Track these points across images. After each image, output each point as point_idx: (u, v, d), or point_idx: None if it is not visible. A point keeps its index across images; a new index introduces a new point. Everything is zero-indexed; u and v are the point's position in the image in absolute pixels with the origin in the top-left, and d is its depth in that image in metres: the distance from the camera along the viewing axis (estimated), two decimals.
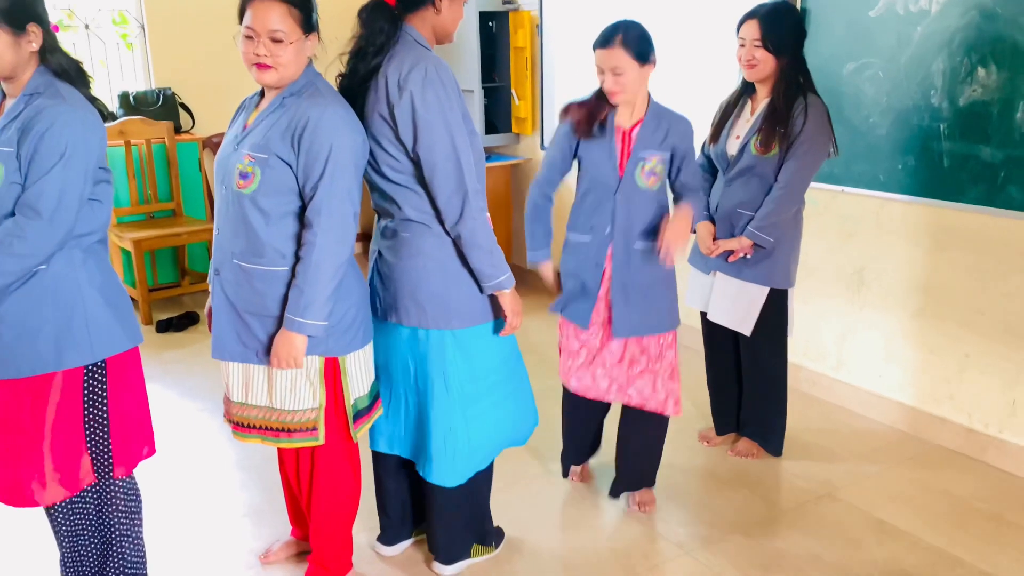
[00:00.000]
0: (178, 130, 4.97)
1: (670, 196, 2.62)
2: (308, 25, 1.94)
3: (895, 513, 2.71)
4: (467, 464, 2.26)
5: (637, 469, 2.76)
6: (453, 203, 2.04)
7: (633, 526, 2.68)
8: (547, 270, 2.63)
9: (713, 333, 3.05)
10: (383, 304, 2.22)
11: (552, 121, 4.78)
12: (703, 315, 3.03)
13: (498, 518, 2.57)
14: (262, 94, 2.06)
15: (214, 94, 5.12)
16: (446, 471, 2.24)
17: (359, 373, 2.17)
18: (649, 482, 2.79)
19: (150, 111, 4.87)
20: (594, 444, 2.90)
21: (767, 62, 2.70)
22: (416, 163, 2.04)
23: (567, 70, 4.62)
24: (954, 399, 3.10)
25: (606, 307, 2.55)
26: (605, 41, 2.42)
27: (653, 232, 2.49)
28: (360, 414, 2.20)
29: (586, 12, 4.40)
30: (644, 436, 2.71)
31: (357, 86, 2.06)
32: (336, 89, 2.07)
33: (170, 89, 5.01)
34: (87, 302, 1.87)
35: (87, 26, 4.98)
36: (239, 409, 2.16)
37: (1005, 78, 2.75)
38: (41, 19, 1.82)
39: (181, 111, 5.08)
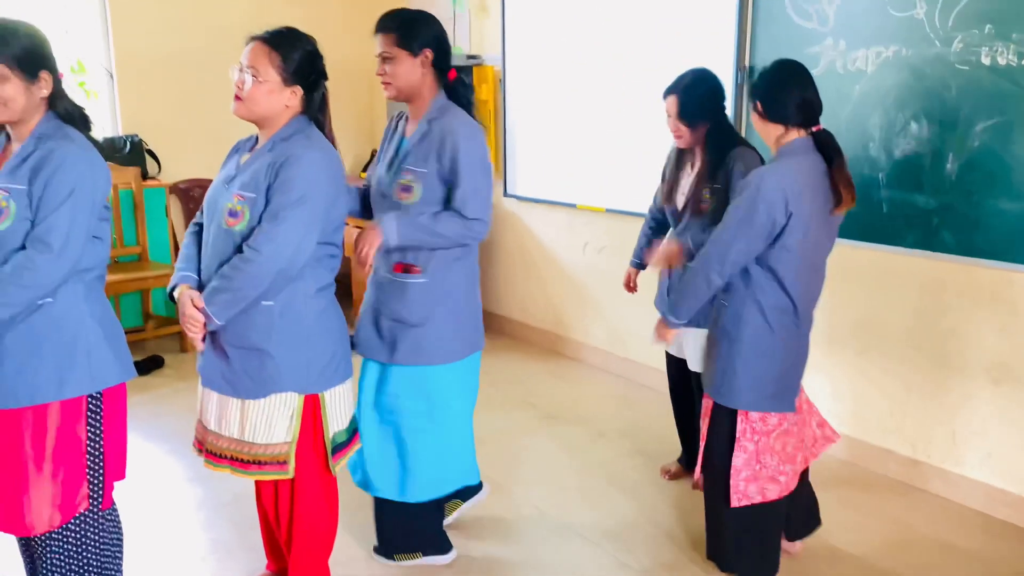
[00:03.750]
0: (145, 176, 5.03)
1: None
2: (289, 76, 2.04)
3: (846, 539, 2.85)
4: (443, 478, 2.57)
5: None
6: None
7: (599, 556, 2.77)
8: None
9: (677, 374, 3.19)
10: (385, 343, 2.41)
11: (514, 170, 4.95)
12: (668, 355, 3.19)
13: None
14: (258, 138, 2.17)
15: (180, 141, 5.19)
16: (417, 488, 2.52)
17: (338, 408, 2.24)
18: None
19: (117, 157, 4.92)
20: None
21: (688, 133, 2.84)
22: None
23: (528, 122, 4.82)
24: (899, 431, 3.28)
25: None
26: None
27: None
28: (339, 448, 2.27)
29: (546, 67, 4.61)
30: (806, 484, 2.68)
31: None
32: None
33: (137, 136, 5.07)
34: (89, 334, 1.94)
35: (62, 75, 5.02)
36: (214, 437, 2.21)
37: (935, 132, 2.99)
38: (52, 67, 1.92)
39: (148, 157, 5.14)
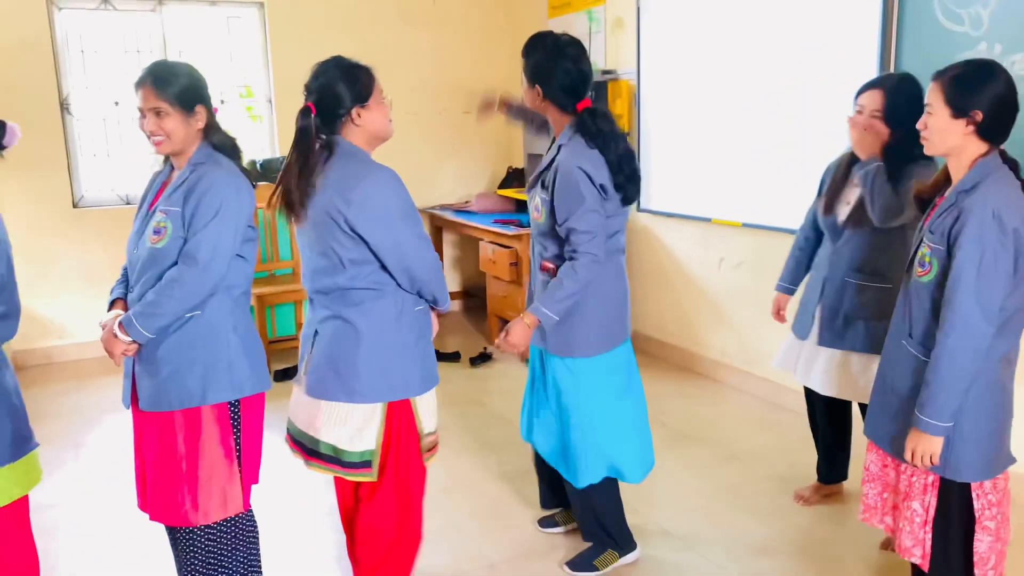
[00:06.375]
0: None
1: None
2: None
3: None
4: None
5: None
6: None
7: None
8: None
9: (814, 394, 3.07)
10: (542, 332, 2.57)
11: (648, 184, 4.92)
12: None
13: None
14: None
15: None
16: (578, 472, 2.64)
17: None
18: None
19: (275, 177, 5.27)
20: None
21: (881, 134, 2.65)
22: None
23: (663, 135, 4.78)
24: None
25: None
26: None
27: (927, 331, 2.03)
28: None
29: (681, 79, 4.57)
30: None
31: None
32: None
33: None
34: (231, 347, 2.12)
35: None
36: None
37: None
38: (206, 101, 2.14)
39: None
